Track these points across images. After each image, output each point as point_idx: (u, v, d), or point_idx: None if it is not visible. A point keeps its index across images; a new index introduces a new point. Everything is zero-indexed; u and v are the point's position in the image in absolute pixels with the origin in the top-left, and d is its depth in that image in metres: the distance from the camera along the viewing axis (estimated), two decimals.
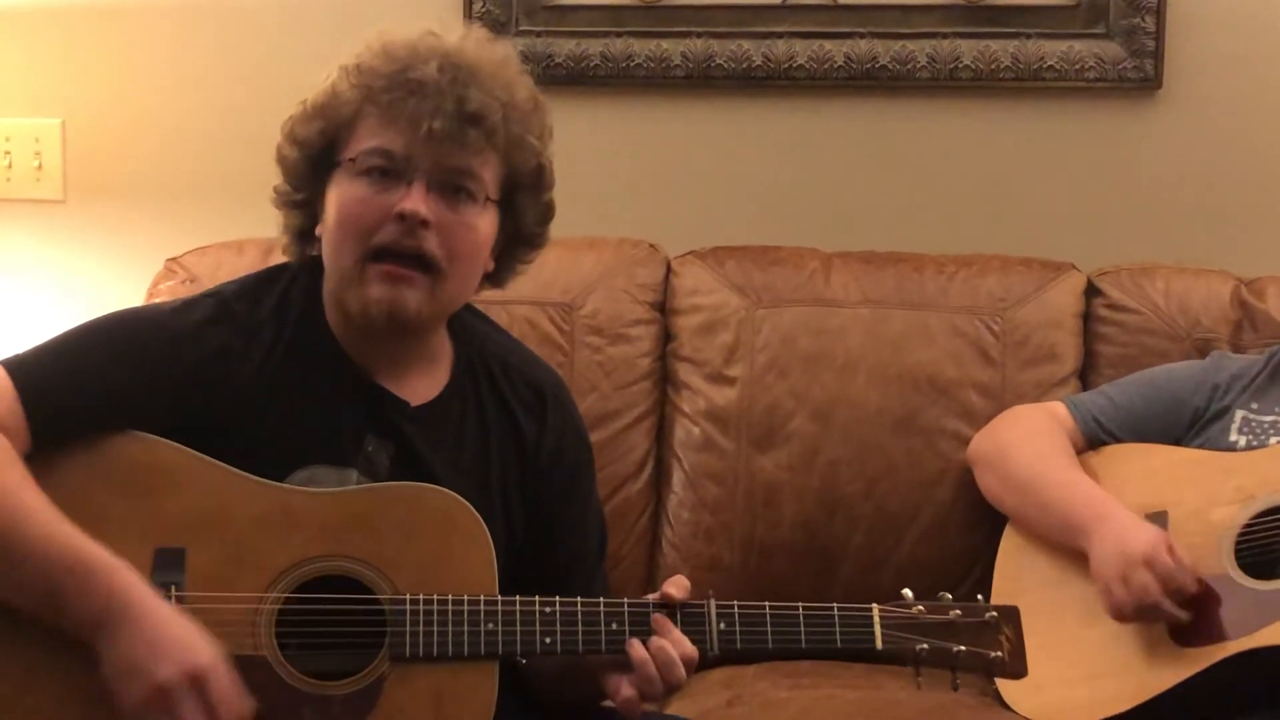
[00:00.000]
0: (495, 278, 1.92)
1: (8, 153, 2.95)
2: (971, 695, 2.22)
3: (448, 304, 1.85)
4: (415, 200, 1.77)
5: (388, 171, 1.78)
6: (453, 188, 1.80)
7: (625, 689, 1.75)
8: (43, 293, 2.95)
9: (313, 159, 1.84)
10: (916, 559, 2.48)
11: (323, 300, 1.87)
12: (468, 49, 1.82)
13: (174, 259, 2.69)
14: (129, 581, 1.67)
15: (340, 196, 1.81)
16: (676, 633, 1.77)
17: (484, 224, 1.83)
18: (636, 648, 1.75)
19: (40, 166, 2.95)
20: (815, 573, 2.50)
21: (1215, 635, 2.10)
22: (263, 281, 1.90)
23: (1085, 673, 2.18)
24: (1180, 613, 2.11)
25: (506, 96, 1.81)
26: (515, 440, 1.93)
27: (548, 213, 1.92)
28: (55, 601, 1.67)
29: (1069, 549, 2.27)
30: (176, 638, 1.66)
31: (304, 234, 1.88)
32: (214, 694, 1.65)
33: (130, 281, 2.77)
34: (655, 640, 1.76)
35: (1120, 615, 2.14)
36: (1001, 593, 2.30)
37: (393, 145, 1.78)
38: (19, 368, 1.76)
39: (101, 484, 1.74)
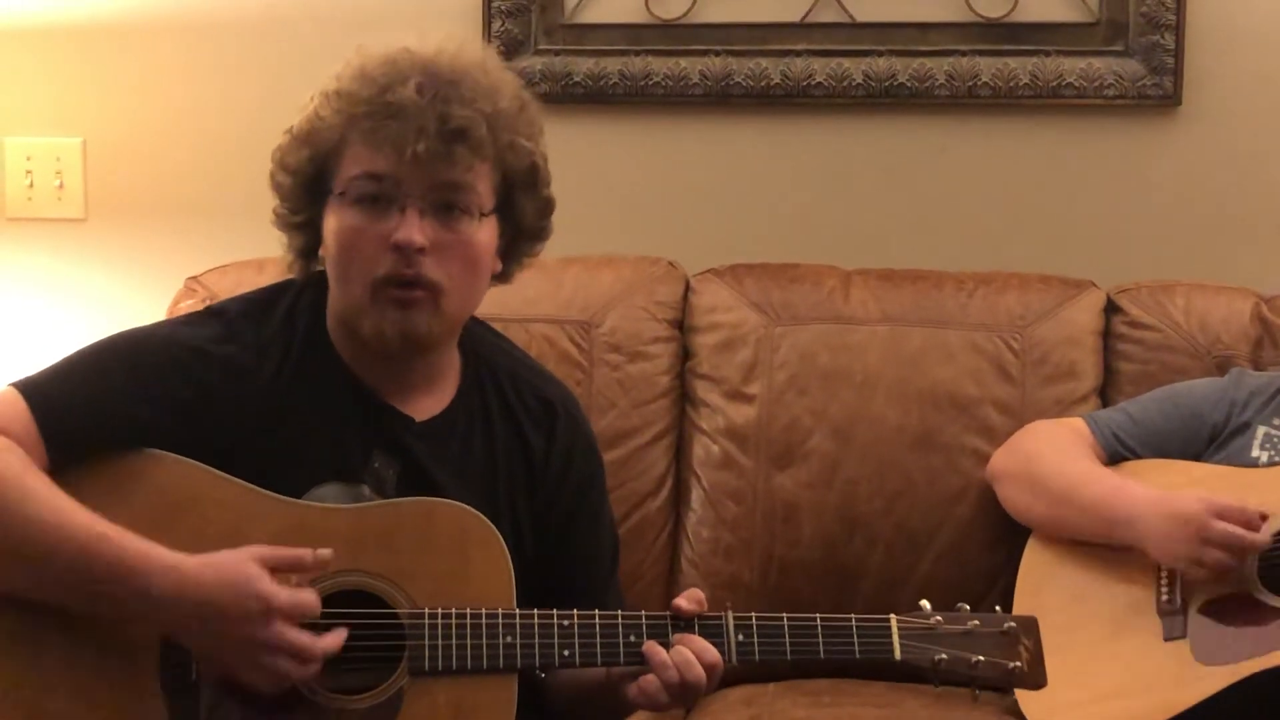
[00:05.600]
0: (503, 275, 1.92)
1: (29, 172, 2.97)
2: (992, 713, 2.20)
3: (457, 317, 1.86)
4: (409, 229, 1.76)
5: (378, 198, 1.78)
6: (446, 206, 1.79)
7: (646, 682, 1.75)
8: (64, 311, 2.96)
9: (306, 185, 1.84)
10: (936, 577, 2.47)
11: (327, 317, 1.88)
12: (445, 60, 1.80)
13: (194, 278, 2.69)
14: (165, 566, 1.68)
15: (337, 227, 1.81)
16: (700, 640, 1.76)
17: (483, 235, 1.83)
18: (657, 651, 1.75)
19: (61, 186, 2.96)
20: (835, 591, 2.49)
21: (1239, 653, 2.09)
22: (267, 299, 1.90)
23: (1108, 690, 2.17)
24: (1264, 536, 2.12)
25: (490, 106, 1.79)
26: (523, 453, 1.93)
27: (547, 207, 1.91)
28: (95, 597, 1.69)
29: (1091, 566, 2.27)
30: (225, 594, 1.67)
31: (307, 253, 1.89)
32: (285, 607, 1.67)
33: (151, 300, 2.78)
34: (673, 640, 1.76)
35: (1217, 573, 2.14)
36: (1023, 610, 2.26)
37: (379, 169, 1.78)
38: (33, 389, 1.77)
39: (119, 503, 1.74)
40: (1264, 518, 2.14)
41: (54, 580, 1.69)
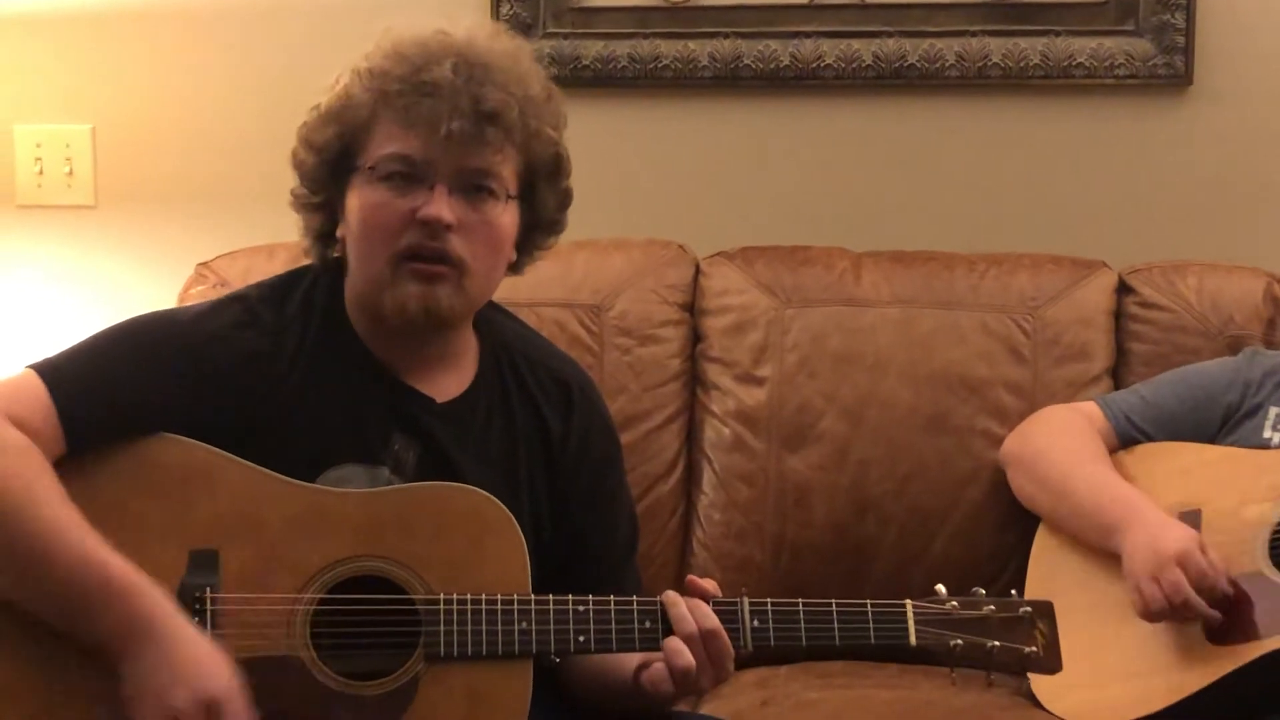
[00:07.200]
0: (515, 266, 1.93)
1: (39, 159, 2.96)
2: (1005, 695, 2.21)
3: (477, 298, 1.86)
4: (438, 205, 1.77)
5: (408, 176, 1.79)
6: (474, 187, 1.80)
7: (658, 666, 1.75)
8: (74, 298, 2.96)
9: (330, 163, 1.84)
10: (948, 559, 2.48)
11: (345, 300, 1.88)
12: (478, 44, 1.82)
13: (204, 263, 2.70)
14: (152, 603, 1.68)
15: (362, 202, 1.81)
16: (702, 604, 1.76)
17: (506, 220, 1.84)
18: (678, 635, 1.75)
19: (71, 172, 2.96)
20: (847, 573, 2.49)
21: (1249, 633, 2.09)
22: (285, 284, 1.91)
23: (1119, 672, 2.17)
24: (1211, 611, 2.10)
25: (521, 91, 1.81)
26: (541, 435, 1.93)
27: (566, 199, 1.93)
28: (80, 618, 1.68)
29: (1102, 549, 2.26)
30: (194, 663, 1.66)
31: (324, 236, 1.89)
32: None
33: (161, 286, 2.79)
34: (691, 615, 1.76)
35: (1150, 614, 2.13)
36: (1035, 592, 2.28)
37: (411, 150, 1.78)
38: (52, 372, 1.77)
39: (135, 487, 1.75)
40: (1234, 584, 2.11)
41: (45, 594, 1.69)
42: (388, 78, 1.79)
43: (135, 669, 1.66)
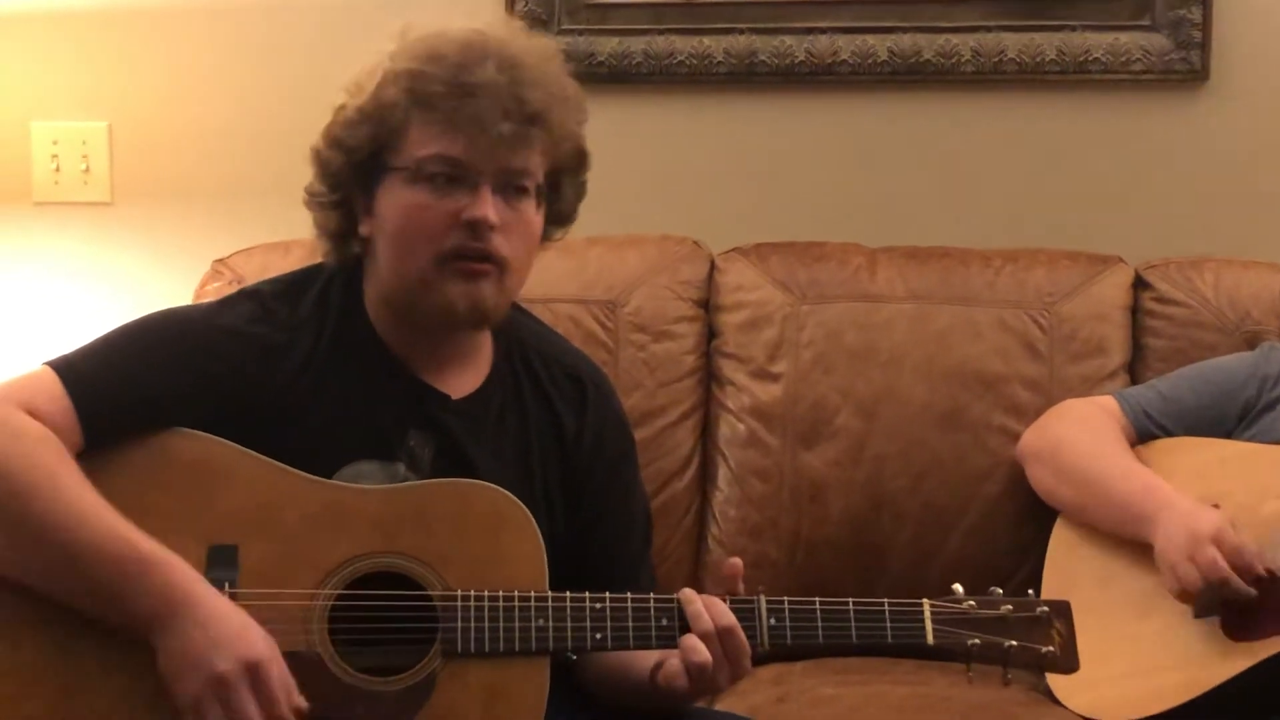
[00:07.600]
0: None
1: (55, 156, 2.97)
2: (1022, 691, 2.21)
3: (513, 294, 1.87)
4: (484, 207, 1.78)
5: (451, 177, 1.79)
6: (514, 188, 1.81)
7: (674, 663, 1.75)
8: (90, 295, 2.96)
9: (359, 163, 1.84)
10: (964, 555, 2.47)
11: (363, 298, 1.88)
12: (512, 43, 1.82)
13: (221, 260, 2.70)
14: (185, 576, 1.69)
15: (400, 203, 1.81)
16: (718, 602, 1.77)
17: (539, 217, 1.86)
18: (694, 632, 1.75)
19: (88, 169, 2.96)
20: (862, 569, 2.49)
21: (1268, 629, 2.09)
22: (298, 281, 1.91)
23: (1137, 668, 2.17)
24: (1248, 588, 2.09)
25: (559, 90, 1.82)
26: (555, 431, 1.93)
27: (583, 192, 1.94)
28: (111, 598, 1.68)
29: (1120, 544, 2.26)
30: (233, 630, 1.67)
31: (341, 234, 1.89)
32: (271, 685, 1.66)
33: (178, 283, 2.78)
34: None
35: (1186, 593, 2.12)
36: (1052, 588, 2.29)
37: (456, 152, 1.78)
38: (68, 368, 1.77)
39: (154, 482, 1.76)
40: (1270, 573, 2.11)
41: (74, 578, 1.69)
42: (425, 78, 1.79)
43: (171, 642, 1.67)
